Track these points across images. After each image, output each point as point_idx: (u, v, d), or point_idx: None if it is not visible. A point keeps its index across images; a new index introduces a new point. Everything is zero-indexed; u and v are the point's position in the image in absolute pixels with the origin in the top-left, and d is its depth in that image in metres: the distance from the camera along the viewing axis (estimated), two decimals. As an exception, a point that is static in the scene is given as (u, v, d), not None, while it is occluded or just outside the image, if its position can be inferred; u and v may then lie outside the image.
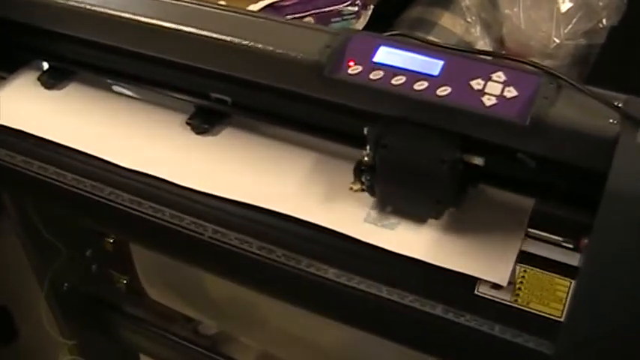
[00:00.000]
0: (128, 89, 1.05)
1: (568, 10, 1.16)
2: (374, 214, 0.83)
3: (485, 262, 0.77)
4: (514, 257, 0.78)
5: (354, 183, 0.84)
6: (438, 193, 0.80)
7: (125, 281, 1.44)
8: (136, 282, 1.40)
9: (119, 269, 1.42)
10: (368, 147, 0.80)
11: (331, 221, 0.82)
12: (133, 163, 0.92)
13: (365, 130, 0.80)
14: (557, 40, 1.18)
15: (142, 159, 0.93)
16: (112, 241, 1.37)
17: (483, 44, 1.26)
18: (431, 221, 0.82)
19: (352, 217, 0.83)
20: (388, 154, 0.79)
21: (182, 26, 0.85)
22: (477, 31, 1.26)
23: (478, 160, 0.79)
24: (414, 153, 0.78)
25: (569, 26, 1.17)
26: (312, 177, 0.88)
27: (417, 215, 0.83)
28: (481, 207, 0.83)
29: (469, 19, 1.26)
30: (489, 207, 0.83)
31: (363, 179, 0.83)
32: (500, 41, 1.27)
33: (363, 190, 0.84)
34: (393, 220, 0.82)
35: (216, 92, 0.93)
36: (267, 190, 0.87)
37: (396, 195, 0.83)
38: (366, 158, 0.81)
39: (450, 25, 1.26)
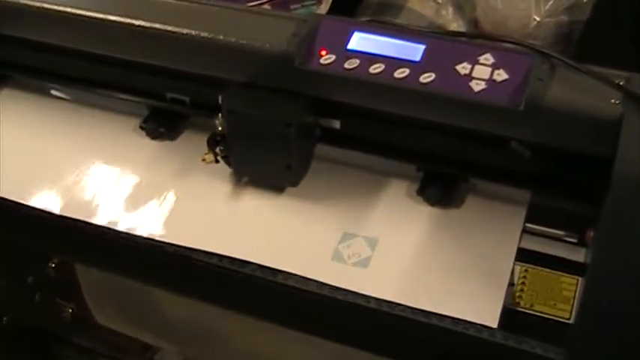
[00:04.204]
0: (69, 93, 1.03)
1: (548, -16, 1.17)
2: (341, 249, 0.82)
3: (471, 300, 0.76)
4: (504, 291, 0.76)
5: (207, 154, 0.86)
6: (287, 158, 0.83)
7: (71, 310, 1.41)
8: (84, 309, 1.37)
9: (65, 297, 1.39)
10: (220, 115, 0.83)
11: (297, 264, 0.81)
12: (74, 211, 0.90)
13: (219, 99, 0.82)
14: (537, 18, 1.19)
15: (83, 199, 0.91)
16: (54, 265, 1.34)
17: (456, 26, 1.26)
18: (409, 247, 0.81)
19: (318, 255, 0.82)
20: (236, 119, 0.82)
21: (131, 19, 0.84)
22: (448, 12, 1.26)
23: (333, 123, 0.83)
24: (261, 117, 0.81)
25: (550, 2, 1.18)
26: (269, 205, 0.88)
27: (273, 184, 0.87)
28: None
29: (439, 0, 1.27)
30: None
31: (218, 150, 0.86)
32: (474, 22, 1.27)
33: (216, 161, 0.86)
34: (365, 254, 0.81)
35: (172, 92, 0.92)
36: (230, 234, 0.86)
37: (249, 164, 0.86)
38: (219, 128, 0.83)
39: (419, 7, 1.27)
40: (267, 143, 0.83)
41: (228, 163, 0.87)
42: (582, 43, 1.18)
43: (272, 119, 0.81)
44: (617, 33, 1.15)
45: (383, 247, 0.81)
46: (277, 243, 0.83)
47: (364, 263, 0.80)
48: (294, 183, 0.87)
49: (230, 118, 0.82)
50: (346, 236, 0.82)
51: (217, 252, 0.83)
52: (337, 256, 0.81)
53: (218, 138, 0.85)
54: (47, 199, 0.91)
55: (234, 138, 0.84)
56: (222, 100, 0.82)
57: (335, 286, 0.79)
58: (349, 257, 0.81)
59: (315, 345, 1.01)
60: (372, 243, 0.81)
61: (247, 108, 0.82)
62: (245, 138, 0.84)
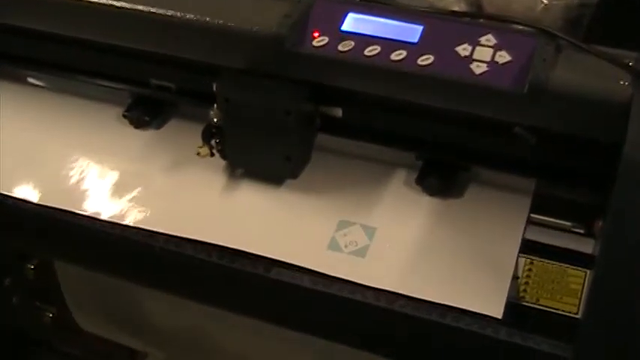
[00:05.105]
0: (47, 80, 1.03)
1: (556, -35, 1.18)
2: (338, 237, 0.83)
3: (474, 290, 0.76)
4: (508, 282, 0.76)
5: (201, 147, 0.86)
6: (286, 148, 0.83)
7: (51, 314, 1.41)
8: (66, 313, 1.38)
9: (45, 299, 1.39)
10: (215, 105, 0.83)
11: (291, 252, 0.81)
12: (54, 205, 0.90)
13: (214, 87, 0.82)
14: (545, 1, 1.19)
15: (64, 192, 0.91)
16: (33, 267, 1.34)
17: (458, 9, 1.27)
18: (408, 236, 0.81)
19: (314, 243, 0.82)
20: (233, 108, 0.82)
21: (113, 1, 0.84)
22: (450, -5, 1.27)
23: (334, 111, 0.83)
24: (259, 105, 0.81)
25: (558, -17, 1.18)
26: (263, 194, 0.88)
27: (270, 176, 0.87)
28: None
29: (441, -18, 1.27)
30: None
31: (213, 142, 0.85)
32: (477, 5, 1.27)
33: (212, 154, 0.86)
34: (362, 243, 0.82)
35: (157, 78, 0.92)
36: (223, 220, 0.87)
37: (247, 155, 0.86)
38: (215, 119, 0.83)
39: (420, -11, 1.27)
40: (265, 133, 0.83)
41: (224, 156, 0.87)
42: (593, 27, 1.18)
43: (270, 107, 0.81)
44: (630, 16, 1.15)
45: (381, 236, 0.81)
46: (271, 231, 0.84)
47: (362, 252, 0.80)
48: (294, 175, 0.87)
49: (226, 107, 0.83)
50: (343, 224, 0.83)
51: (209, 241, 0.83)
52: (334, 245, 0.81)
53: (213, 130, 0.85)
54: (26, 192, 0.92)
55: (231, 128, 0.84)
56: (218, 88, 0.82)
57: (331, 276, 0.79)
58: (346, 246, 0.81)
59: (305, 348, 1.02)
60: (370, 231, 0.82)
61: (245, 95, 0.82)
62: (242, 127, 0.84)
